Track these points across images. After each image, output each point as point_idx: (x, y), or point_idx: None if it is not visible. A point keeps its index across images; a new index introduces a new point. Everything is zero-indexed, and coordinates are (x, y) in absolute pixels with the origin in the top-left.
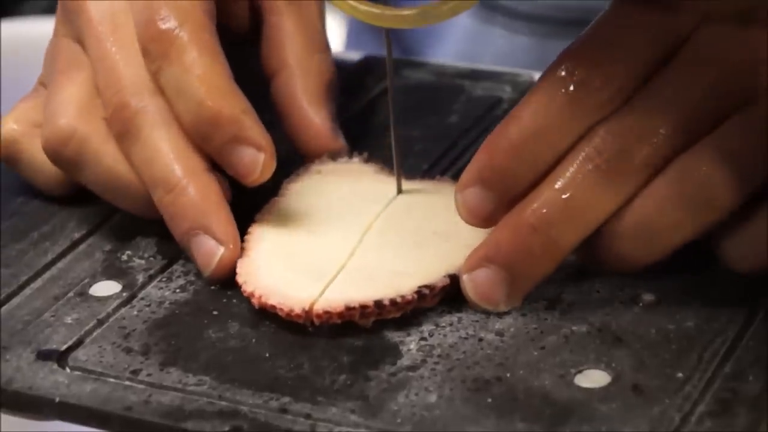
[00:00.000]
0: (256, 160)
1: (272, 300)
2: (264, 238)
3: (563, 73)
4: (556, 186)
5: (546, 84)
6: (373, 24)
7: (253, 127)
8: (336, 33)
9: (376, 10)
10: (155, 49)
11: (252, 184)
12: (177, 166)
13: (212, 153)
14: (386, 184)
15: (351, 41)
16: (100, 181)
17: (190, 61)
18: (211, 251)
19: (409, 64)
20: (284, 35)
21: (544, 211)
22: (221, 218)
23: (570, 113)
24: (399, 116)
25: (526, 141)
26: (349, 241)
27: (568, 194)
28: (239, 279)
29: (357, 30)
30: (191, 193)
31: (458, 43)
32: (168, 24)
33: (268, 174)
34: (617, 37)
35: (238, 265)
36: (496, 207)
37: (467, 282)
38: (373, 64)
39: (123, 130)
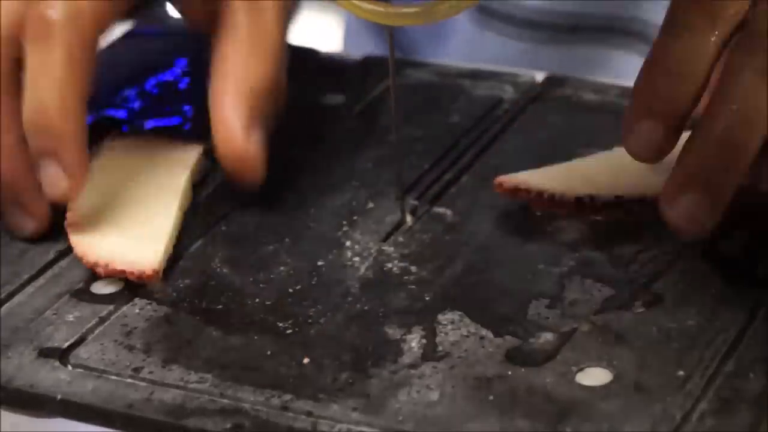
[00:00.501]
0: (59, 183)
1: (119, 266)
2: (89, 212)
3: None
4: (725, 96)
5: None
6: (376, 22)
7: (74, 151)
8: (335, 33)
9: (379, 8)
10: (33, 29)
11: (51, 200)
12: (60, 91)
13: (31, 151)
14: (183, 148)
15: (350, 41)
16: None
17: (57, 59)
18: (57, 181)
19: (410, 63)
20: (233, 36)
21: (723, 124)
22: (77, 153)
23: (710, 22)
24: (401, 115)
25: (679, 62)
26: (168, 203)
27: (737, 102)
28: (77, 252)
29: (356, 29)
30: (62, 116)
31: (456, 47)
32: (56, 13)
33: (66, 199)
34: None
35: (72, 239)
36: (666, 135)
37: (671, 213)
38: (373, 64)
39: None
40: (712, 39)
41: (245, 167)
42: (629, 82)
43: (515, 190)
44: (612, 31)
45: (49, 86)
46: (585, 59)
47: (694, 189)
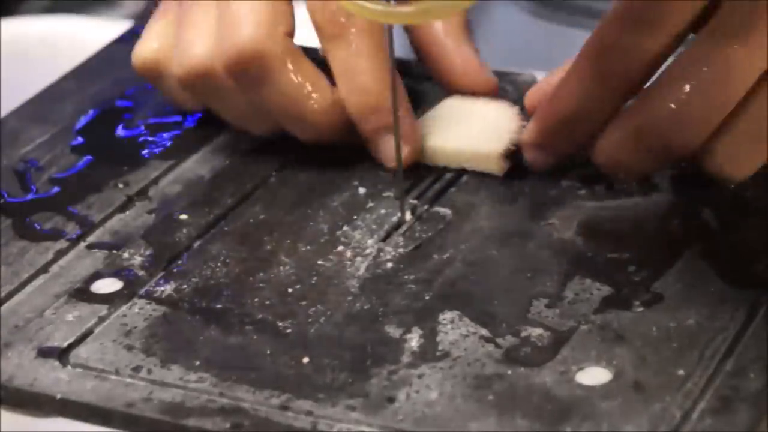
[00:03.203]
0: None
1: None
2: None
3: (601, 44)
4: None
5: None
6: (376, 21)
7: (405, 119)
8: None
9: (379, 6)
10: (329, 30)
11: (393, 170)
12: (374, 74)
13: (364, 134)
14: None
15: None
16: (281, 96)
17: (360, 48)
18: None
19: (409, 62)
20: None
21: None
22: (406, 120)
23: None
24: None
25: (572, 113)
26: None
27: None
28: None
29: None
30: (382, 97)
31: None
32: (344, 10)
33: (408, 165)
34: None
35: None
36: (556, 162)
37: (526, 156)
38: None
39: (335, 32)
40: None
41: (489, 85)
42: None
43: None
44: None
45: (364, 70)
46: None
47: (542, 146)
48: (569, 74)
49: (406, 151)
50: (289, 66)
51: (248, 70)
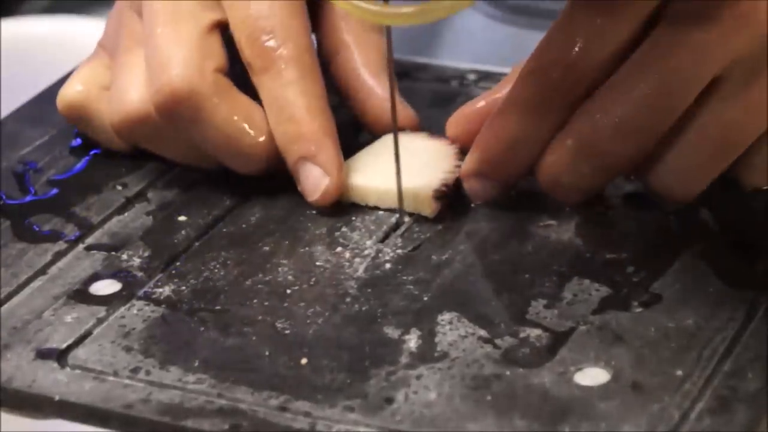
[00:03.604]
0: (320, 183)
1: None
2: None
3: (541, 62)
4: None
5: (527, 72)
6: (373, 22)
7: (329, 150)
8: None
9: (375, 7)
10: (258, 63)
11: (314, 204)
12: (300, 103)
13: (289, 165)
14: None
15: None
16: (216, 133)
17: (289, 79)
18: (317, 180)
19: (409, 64)
20: (338, 17)
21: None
22: (330, 151)
23: (549, 105)
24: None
25: (516, 136)
26: None
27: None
28: None
29: None
30: (305, 124)
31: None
32: (272, 42)
33: (329, 199)
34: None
35: None
36: (499, 191)
37: (466, 187)
38: None
39: (263, 66)
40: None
41: (406, 123)
42: None
43: None
44: None
45: (292, 101)
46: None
47: (484, 175)
48: (509, 96)
49: (326, 183)
50: (221, 103)
51: (178, 111)
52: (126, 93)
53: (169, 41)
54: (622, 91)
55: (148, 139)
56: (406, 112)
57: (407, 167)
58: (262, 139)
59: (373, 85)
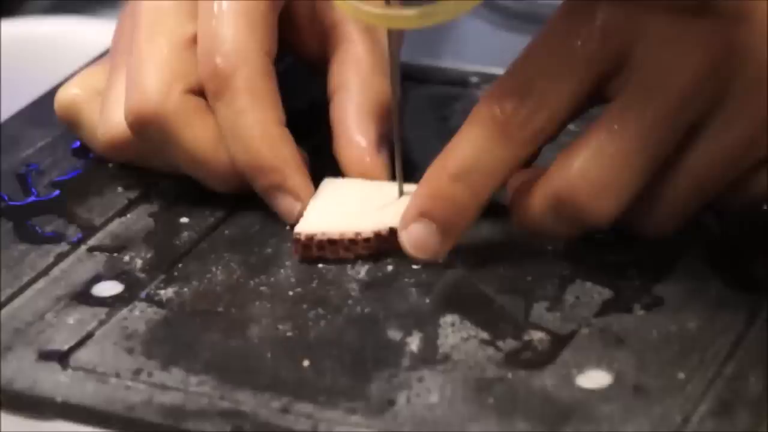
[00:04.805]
0: (293, 209)
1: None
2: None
3: (496, 104)
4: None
5: (482, 109)
6: (375, 25)
7: (293, 176)
8: None
9: (377, 10)
10: (212, 87)
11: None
12: (255, 133)
13: (258, 192)
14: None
15: None
16: (185, 154)
17: (242, 106)
18: (291, 207)
19: (411, 65)
20: (351, 58)
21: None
22: (293, 177)
23: (504, 144)
24: (402, 117)
25: (465, 171)
26: None
27: None
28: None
29: None
30: (263, 156)
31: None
32: (226, 64)
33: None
34: (546, 65)
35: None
36: (441, 239)
37: (404, 237)
38: None
39: (218, 89)
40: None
41: (376, 174)
42: None
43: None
44: None
45: (248, 129)
46: None
47: (427, 219)
48: (463, 128)
49: (299, 208)
50: (186, 125)
51: (147, 133)
52: (111, 113)
53: (143, 58)
54: (599, 142)
55: (133, 158)
56: (377, 161)
57: (349, 211)
58: (228, 161)
59: (353, 135)
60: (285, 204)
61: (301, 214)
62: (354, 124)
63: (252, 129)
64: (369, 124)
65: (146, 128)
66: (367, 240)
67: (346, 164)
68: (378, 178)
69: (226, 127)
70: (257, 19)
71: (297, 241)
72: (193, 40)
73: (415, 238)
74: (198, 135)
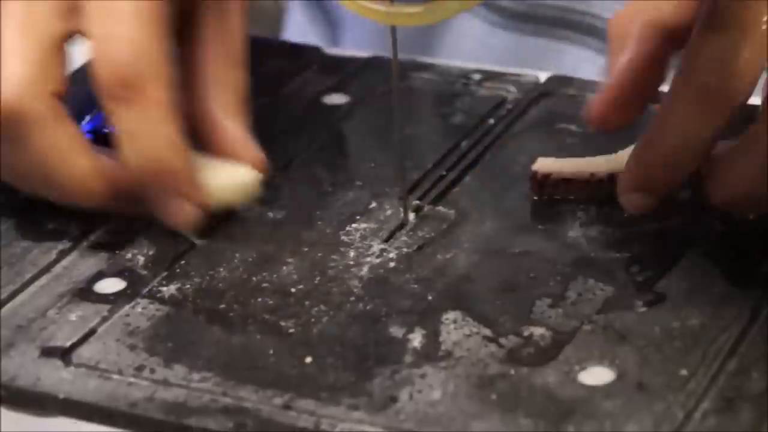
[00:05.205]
0: (188, 216)
1: None
2: None
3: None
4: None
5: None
6: (379, 22)
7: (193, 183)
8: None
9: (382, 8)
10: (114, 93)
11: (183, 230)
12: (161, 142)
13: (151, 198)
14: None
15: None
16: (36, 158)
17: (148, 115)
18: (187, 214)
19: (413, 64)
20: (204, 50)
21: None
22: (192, 183)
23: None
24: (403, 115)
25: (677, 147)
26: None
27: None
28: None
29: (351, 27)
30: (166, 162)
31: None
32: (133, 72)
33: (196, 225)
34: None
35: None
36: (654, 201)
37: (623, 200)
38: (376, 63)
39: (123, 95)
40: (711, 127)
41: (256, 164)
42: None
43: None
44: (563, 24)
45: (149, 136)
46: (535, 50)
47: (644, 189)
48: (667, 105)
49: (195, 214)
50: (48, 128)
51: (5, 129)
52: None
53: (12, 49)
54: None
55: None
56: (253, 154)
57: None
58: (85, 172)
59: (228, 126)
60: (181, 209)
61: (196, 221)
62: (224, 118)
63: (158, 138)
64: (238, 118)
65: (5, 123)
66: (600, 181)
67: (227, 155)
68: (261, 166)
69: (127, 133)
70: (159, 21)
71: (534, 178)
72: (66, 39)
73: (633, 204)
74: (57, 140)
